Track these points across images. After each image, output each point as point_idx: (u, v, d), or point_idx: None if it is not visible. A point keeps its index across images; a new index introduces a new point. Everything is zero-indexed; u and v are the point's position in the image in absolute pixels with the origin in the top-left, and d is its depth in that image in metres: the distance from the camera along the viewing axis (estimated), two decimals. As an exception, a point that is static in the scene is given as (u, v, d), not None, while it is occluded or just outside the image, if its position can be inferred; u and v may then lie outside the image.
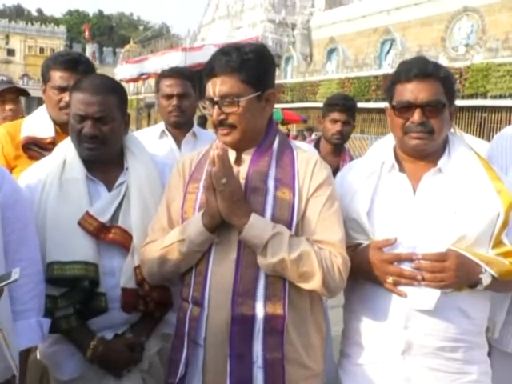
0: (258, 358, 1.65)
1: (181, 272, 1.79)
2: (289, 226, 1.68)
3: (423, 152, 1.84)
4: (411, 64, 1.85)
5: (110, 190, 2.00)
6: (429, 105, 1.79)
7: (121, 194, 1.98)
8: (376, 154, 1.98)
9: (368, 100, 19.38)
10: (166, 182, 1.96)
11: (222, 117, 1.70)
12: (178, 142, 3.06)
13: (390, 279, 1.74)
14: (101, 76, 2.11)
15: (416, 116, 1.79)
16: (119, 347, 1.92)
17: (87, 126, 1.91)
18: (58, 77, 2.50)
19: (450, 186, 1.81)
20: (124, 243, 1.93)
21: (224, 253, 1.70)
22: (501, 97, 15.32)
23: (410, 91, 1.80)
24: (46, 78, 2.55)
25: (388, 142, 1.99)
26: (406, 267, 1.73)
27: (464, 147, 1.91)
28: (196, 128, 3.17)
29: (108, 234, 1.92)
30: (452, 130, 2.72)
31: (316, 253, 1.66)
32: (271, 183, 1.72)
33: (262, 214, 1.67)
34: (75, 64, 2.51)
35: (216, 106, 1.69)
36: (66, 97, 2.49)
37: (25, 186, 1.96)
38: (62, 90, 2.50)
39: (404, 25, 20.54)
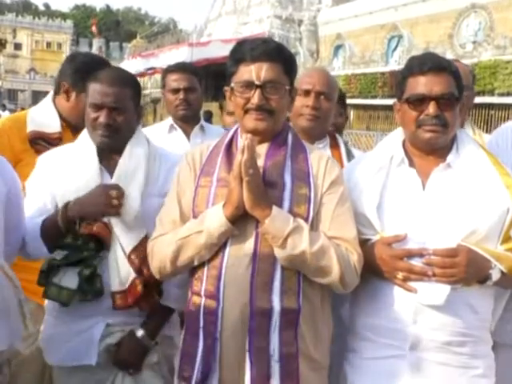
0: (275, 351, 1.67)
1: (193, 266, 1.79)
2: (305, 221, 1.71)
3: (436, 145, 1.85)
4: (424, 58, 1.86)
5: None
6: (443, 98, 1.80)
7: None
8: (385, 149, 1.98)
9: (374, 97, 19.30)
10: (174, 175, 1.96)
11: (263, 101, 1.73)
12: (187, 136, 3.08)
13: (400, 275, 1.75)
14: (117, 69, 2.24)
15: (431, 109, 1.79)
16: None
17: (102, 116, 2.01)
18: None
19: (459, 182, 1.82)
20: (107, 237, 1.98)
21: (240, 246, 1.71)
22: (508, 94, 15.22)
23: (424, 84, 1.81)
24: (81, 88, 2.48)
25: (397, 136, 1.99)
26: (415, 262, 1.74)
27: (472, 143, 1.91)
28: (203, 122, 3.19)
29: (91, 227, 1.97)
30: (470, 129, 2.73)
31: (334, 248, 1.69)
32: (288, 178, 1.75)
33: (279, 207, 1.70)
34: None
35: (259, 90, 1.72)
36: None
37: (41, 164, 2.13)
38: None
39: (411, 21, 20.41)
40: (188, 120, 3.09)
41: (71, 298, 1.94)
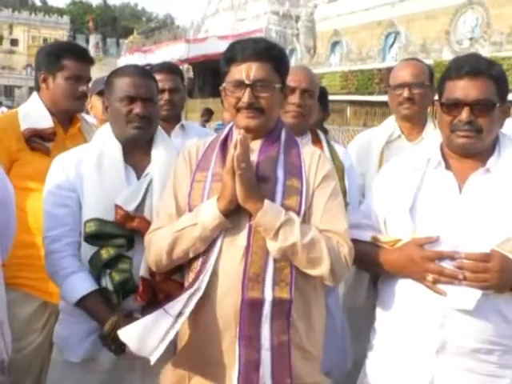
0: (266, 340, 1.70)
1: (188, 258, 1.82)
2: (297, 215, 1.75)
3: (470, 151, 1.82)
4: (463, 61, 1.83)
5: (139, 177, 2.09)
6: (478, 103, 1.76)
7: (146, 183, 2.07)
8: (422, 151, 1.96)
9: (371, 93, 19.32)
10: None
11: (253, 100, 1.78)
12: (168, 134, 3.11)
13: (430, 277, 1.73)
14: (137, 65, 2.28)
15: (464, 114, 1.77)
16: None
17: (138, 107, 2.04)
18: (75, 67, 2.54)
19: (498, 187, 1.78)
20: (145, 232, 1.97)
21: (234, 238, 1.76)
22: (504, 91, 15.27)
23: (460, 89, 1.78)
24: (55, 67, 2.54)
25: (434, 139, 1.96)
26: (446, 265, 1.72)
27: None
28: (184, 121, 3.26)
29: (132, 222, 2.00)
30: (432, 126, 2.77)
31: (325, 240, 1.73)
32: (280, 172, 1.80)
33: (272, 201, 1.74)
34: (87, 54, 2.63)
35: (248, 89, 1.78)
36: (83, 87, 2.57)
37: (59, 161, 2.12)
38: (78, 79, 2.55)
39: (408, 18, 20.42)
40: (170, 120, 3.14)
41: (117, 299, 1.98)
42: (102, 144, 2.12)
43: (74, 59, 2.53)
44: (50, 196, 2.10)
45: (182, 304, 1.72)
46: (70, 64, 2.53)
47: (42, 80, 2.58)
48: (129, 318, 1.98)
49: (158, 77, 3.06)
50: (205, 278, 1.74)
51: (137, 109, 2.04)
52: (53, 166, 2.15)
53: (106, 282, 1.99)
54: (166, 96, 3.04)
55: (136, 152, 2.11)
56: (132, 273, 2.00)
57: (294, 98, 2.41)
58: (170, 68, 3.16)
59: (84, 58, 2.57)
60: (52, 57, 2.56)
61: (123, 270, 1.98)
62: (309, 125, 2.56)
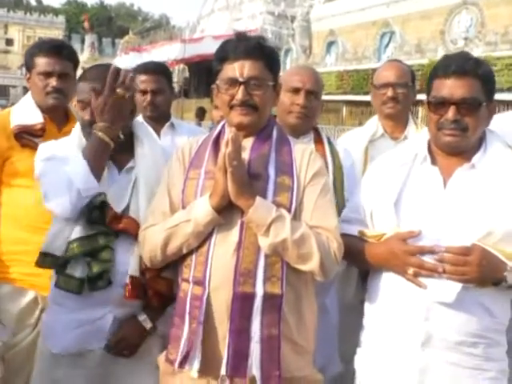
0: (256, 333, 1.73)
1: (182, 254, 1.85)
2: (288, 211, 1.78)
3: (456, 149, 1.84)
4: (450, 60, 1.84)
5: (120, 170, 2.08)
6: (464, 102, 1.78)
7: (131, 182, 2.06)
8: (409, 147, 1.99)
9: (366, 93, 19.26)
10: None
11: (247, 97, 1.80)
12: (157, 133, 3.12)
13: (411, 270, 1.75)
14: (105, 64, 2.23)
15: (450, 113, 1.79)
16: None
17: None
18: (43, 63, 2.56)
19: (482, 182, 1.80)
20: (133, 233, 1.99)
21: (226, 234, 1.78)
22: (499, 90, 15.34)
23: (447, 87, 1.80)
24: (30, 65, 2.60)
25: (422, 135, 1.99)
26: (428, 259, 1.74)
27: (500, 144, 1.89)
28: (174, 120, 3.25)
29: (119, 223, 1.99)
30: (413, 125, 2.83)
31: (315, 236, 1.76)
32: (272, 170, 1.82)
33: (263, 198, 1.76)
34: (59, 49, 2.60)
35: (242, 86, 1.80)
36: (52, 82, 2.55)
37: (41, 152, 2.10)
38: (47, 75, 2.56)
39: (403, 18, 20.48)
40: (155, 120, 3.13)
41: (80, 287, 1.95)
42: (80, 137, 2.11)
43: (43, 55, 2.57)
44: (44, 164, 2.07)
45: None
46: (39, 60, 2.57)
47: (27, 79, 2.66)
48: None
49: (140, 77, 3.06)
50: (207, 275, 1.77)
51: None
52: (38, 153, 2.12)
53: (80, 270, 1.96)
54: (148, 97, 3.03)
55: (115, 149, 2.05)
56: (111, 265, 1.97)
57: (299, 99, 2.41)
58: (154, 69, 3.12)
59: (54, 53, 2.57)
60: (28, 56, 2.63)
61: (104, 260, 1.96)
62: (312, 125, 2.56)
